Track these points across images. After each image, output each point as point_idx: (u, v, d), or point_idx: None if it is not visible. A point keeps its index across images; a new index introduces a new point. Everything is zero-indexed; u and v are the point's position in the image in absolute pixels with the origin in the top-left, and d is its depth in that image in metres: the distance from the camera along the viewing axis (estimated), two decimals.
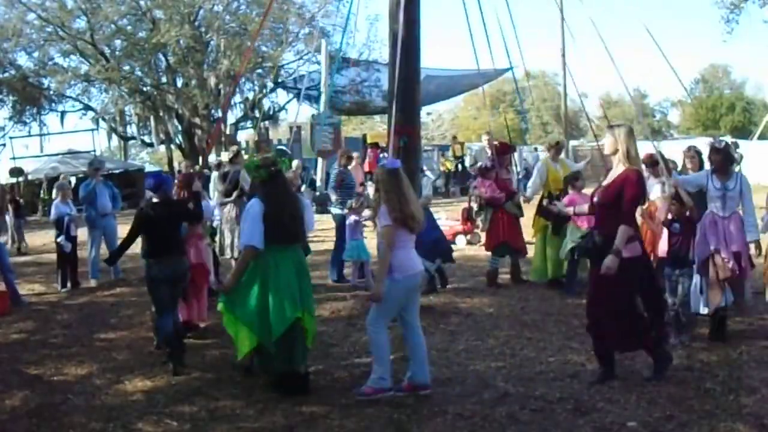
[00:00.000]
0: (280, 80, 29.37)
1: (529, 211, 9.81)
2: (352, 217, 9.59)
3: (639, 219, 7.62)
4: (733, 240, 6.66)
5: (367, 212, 9.25)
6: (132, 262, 12.63)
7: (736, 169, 7.07)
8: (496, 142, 10.46)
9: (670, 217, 6.97)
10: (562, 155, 10.26)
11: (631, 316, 5.66)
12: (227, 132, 30.36)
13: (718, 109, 61.14)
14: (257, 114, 30.22)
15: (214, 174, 10.28)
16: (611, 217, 5.53)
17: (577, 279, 8.82)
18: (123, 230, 14.98)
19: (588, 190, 7.31)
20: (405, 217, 5.41)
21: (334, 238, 10.47)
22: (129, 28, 28.69)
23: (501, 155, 9.95)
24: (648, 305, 5.90)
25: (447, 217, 14.38)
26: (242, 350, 5.70)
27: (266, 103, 31.29)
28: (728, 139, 9.72)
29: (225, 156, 13.06)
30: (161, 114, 30.09)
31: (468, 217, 13.40)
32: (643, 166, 6.88)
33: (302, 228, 5.98)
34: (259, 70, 29.15)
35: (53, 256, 11.61)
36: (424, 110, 37.30)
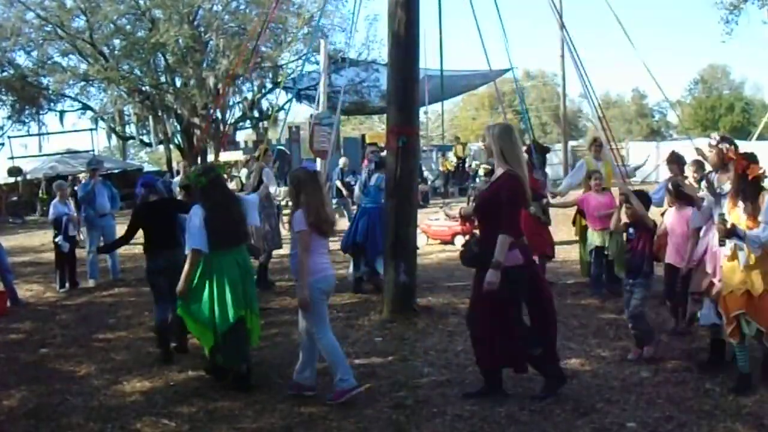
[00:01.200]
0: (278, 80, 29.36)
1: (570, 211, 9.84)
2: None
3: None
4: None
5: None
6: (131, 262, 12.65)
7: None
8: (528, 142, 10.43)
9: (624, 221, 6.63)
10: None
11: (512, 329, 5.25)
12: (226, 132, 30.35)
13: (717, 109, 61.22)
14: (256, 114, 30.21)
15: (243, 171, 10.62)
16: (489, 224, 5.26)
17: (602, 280, 8.92)
18: (122, 230, 15.03)
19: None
20: (320, 222, 5.41)
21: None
22: (128, 27, 28.65)
23: (541, 153, 9.84)
24: (534, 318, 5.46)
25: (446, 217, 14.36)
26: (207, 347, 5.86)
27: (265, 103, 31.30)
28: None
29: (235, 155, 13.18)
30: (160, 114, 30.05)
31: (465, 217, 13.40)
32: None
33: (245, 230, 6.16)
34: (258, 70, 29.13)
35: (51, 256, 11.60)
36: (422, 110, 37.23)
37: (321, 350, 5.55)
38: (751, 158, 5.41)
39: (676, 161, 8.13)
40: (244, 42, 25.08)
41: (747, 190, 5.33)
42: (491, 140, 5.31)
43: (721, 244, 5.32)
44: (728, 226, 5.17)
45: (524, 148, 11.33)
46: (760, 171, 5.31)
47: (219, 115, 29.38)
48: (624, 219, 6.67)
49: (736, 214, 5.36)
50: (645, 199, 6.60)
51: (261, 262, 9.90)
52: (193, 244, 5.71)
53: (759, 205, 5.25)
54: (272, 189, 10.04)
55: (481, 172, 12.82)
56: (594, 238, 8.86)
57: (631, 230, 6.43)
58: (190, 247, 5.75)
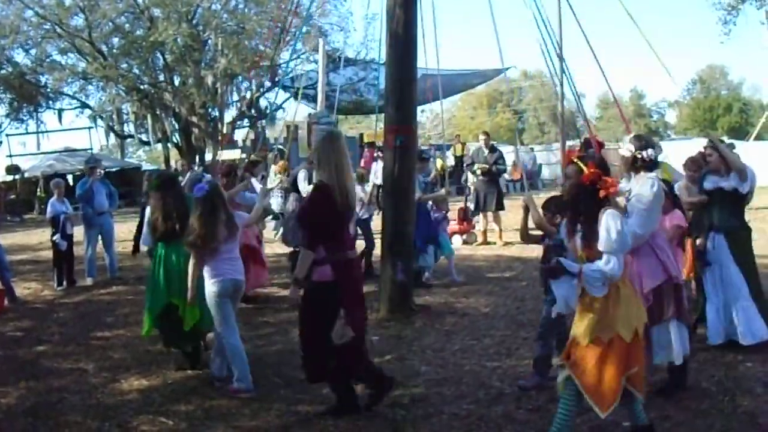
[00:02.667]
0: (277, 79, 29.38)
1: None
2: (437, 214, 9.76)
3: None
4: None
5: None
6: (128, 260, 12.65)
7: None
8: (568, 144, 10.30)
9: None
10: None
11: (317, 345, 5.05)
12: (224, 131, 30.37)
13: (715, 109, 61.30)
14: (254, 113, 30.23)
15: (303, 173, 10.92)
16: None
17: None
18: (120, 228, 15.06)
19: None
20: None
21: None
22: (127, 26, 28.67)
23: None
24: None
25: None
26: (144, 330, 6.51)
27: (263, 102, 31.32)
28: (725, 139, 9.71)
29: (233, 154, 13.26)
30: (158, 112, 30.07)
31: (464, 217, 13.44)
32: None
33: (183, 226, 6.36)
34: (257, 69, 29.14)
35: (49, 254, 11.60)
36: (420, 109, 37.27)
37: (226, 348, 5.82)
38: (604, 167, 4.31)
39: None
40: (245, 45, 25.06)
41: (586, 209, 4.22)
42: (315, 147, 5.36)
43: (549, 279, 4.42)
44: (553, 262, 4.29)
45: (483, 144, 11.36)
46: (613, 189, 4.20)
47: (218, 113, 29.41)
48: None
49: (573, 243, 4.34)
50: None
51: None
52: (141, 242, 6.68)
53: (598, 229, 4.11)
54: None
55: (478, 171, 12.85)
56: None
57: (547, 240, 5.74)
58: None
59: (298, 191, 10.19)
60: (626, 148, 5.19)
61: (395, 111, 8.19)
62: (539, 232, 5.91)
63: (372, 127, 43.80)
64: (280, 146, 21.65)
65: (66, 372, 6.57)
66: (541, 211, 5.79)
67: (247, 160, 11.47)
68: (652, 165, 5.18)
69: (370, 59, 27.72)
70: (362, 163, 20.92)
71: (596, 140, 8.88)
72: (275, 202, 11.45)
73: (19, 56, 29.75)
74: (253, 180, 10.21)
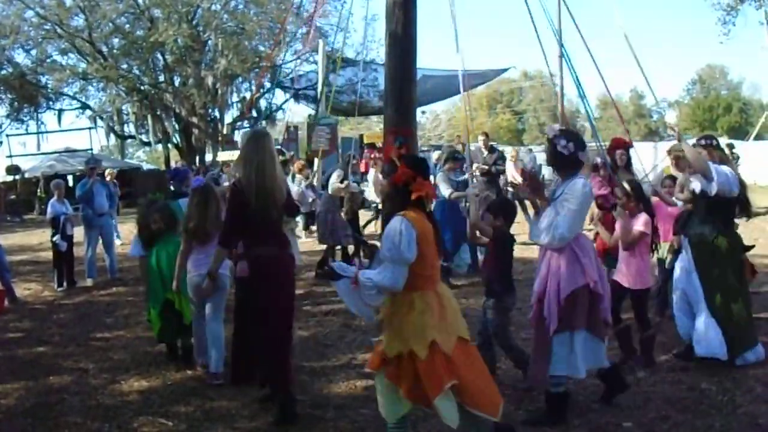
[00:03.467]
0: (278, 80, 29.39)
1: None
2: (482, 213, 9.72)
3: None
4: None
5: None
6: (128, 261, 12.64)
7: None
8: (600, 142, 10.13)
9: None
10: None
11: (240, 342, 5.20)
12: (224, 132, 30.37)
13: (715, 109, 61.30)
14: (254, 113, 30.22)
15: (336, 173, 11.21)
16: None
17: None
18: (120, 228, 15.05)
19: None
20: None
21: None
22: (127, 26, 28.69)
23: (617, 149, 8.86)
24: (261, 332, 5.11)
25: None
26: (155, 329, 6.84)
27: (263, 103, 31.33)
28: (725, 139, 9.69)
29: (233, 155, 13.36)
30: (159, 113, 30.10)
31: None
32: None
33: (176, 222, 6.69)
34: (257, 70, 29.17)
35: (50, 255, 11.61)
36: (420, 110, 37.35)
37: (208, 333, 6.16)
38: (419, 168, 4.07)
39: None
40: (245, 45, 25.01)
41: (395, 209, 4.01)
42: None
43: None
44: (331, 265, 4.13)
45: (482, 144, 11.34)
46: (425, 190, 3.98)
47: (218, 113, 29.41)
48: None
49: None
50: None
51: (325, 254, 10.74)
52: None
53: None
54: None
55: (476, 172, 12.85)
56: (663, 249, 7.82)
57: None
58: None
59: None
60: (562, 146, 4.86)
61: (395, 112, 8.18)
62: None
63: (372, 128, 43.86)
64: (279, 147, 21.70)
65: (66, 373, 6.57)
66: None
67: None
68: (582, 165, 4.96)
69: (369, 60, 27.73)
70: (362, 165, 20.94)
71: (623, 140, 8.82)
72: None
73: (20, 57, 29.85)
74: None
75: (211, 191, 6.27)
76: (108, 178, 15.23)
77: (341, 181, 10.98)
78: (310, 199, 12.40)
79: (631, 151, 8.71)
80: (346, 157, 11.17)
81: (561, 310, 4.77)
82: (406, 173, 3.95)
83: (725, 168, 5.90)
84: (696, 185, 6.05)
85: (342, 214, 11.13)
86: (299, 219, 12.23)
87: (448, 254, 9.32)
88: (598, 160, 9.24)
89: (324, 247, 10.99)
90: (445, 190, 9.80)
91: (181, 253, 6.12)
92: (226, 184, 12.10)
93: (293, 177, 12.02)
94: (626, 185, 6.10)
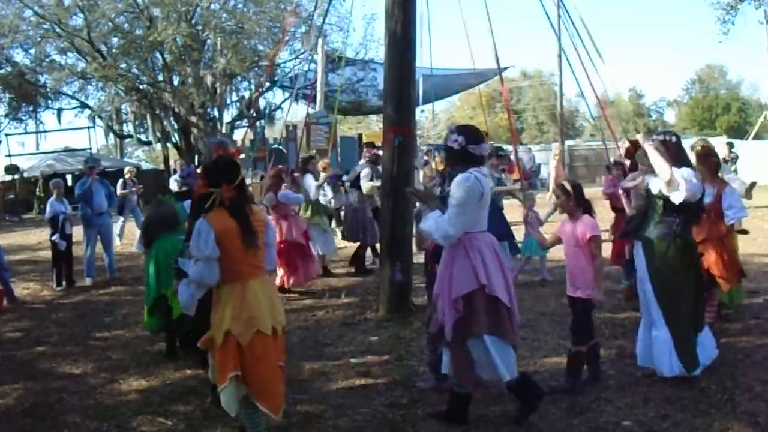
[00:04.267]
0: (276, 79, 29.37)
1: None
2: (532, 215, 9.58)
3: None
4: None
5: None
6: (127, 261, 12.65)
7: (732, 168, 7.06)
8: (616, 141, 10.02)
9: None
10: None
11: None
12: (223, 131, 30.34)
13: (714, 109, 61.35)
14: (253, 113, 30.22)
15: (366, 170, 11.28)
16: None
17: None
18: (126, 228, 15.03)
19: None
20: None
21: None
22: (126, 25, 28.63)
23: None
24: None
25: None
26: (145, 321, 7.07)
27: (262, 102, 31.30)
28: (724, 139, 9.65)
29: None
30: (158, 112, 30.05)
31: None
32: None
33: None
34: (256, 69, 29.15)
35: (48, 254, 11.60)
36: (419, 109, 37.30)
37: None
38: (218, 173, 4.39)
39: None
40: (244, 44, 24.95)
41: (196, 217, 4.44)
42: None
43: None
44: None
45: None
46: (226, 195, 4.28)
47: (216, 113, 29.38)
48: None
49: None
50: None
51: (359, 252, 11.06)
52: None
53: None
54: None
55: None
56: None
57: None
58: None
59: (359, 187, 10.91)
60: (452, 140, 4.76)
61: (394, 111, 8.19)
62: None
63: (371, 127, 43.84)
64: (279, 146, 21.68)
65: (65, 372, 6.57)
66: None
67: (301, 159, 12.11)
68: (479, 159, 4.78)
69: (368, 59, 27.72)
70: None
71: (633, 141, 8.67)
72: (322, 199, 11.83)
73: (18, 56, 29.78)
74: (308, 176, 10.77)
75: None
76: (128, 176, 15.09)
77: (371, 180, 10.97)
78: (329, 197, 12.53)
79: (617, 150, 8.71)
80: (373, 156, 11.13)
81: (455, 313, 4.67)
82: (201, 190, 4.35)
83: (687, 171, 5.41)
84: (654, 186, 5.63)
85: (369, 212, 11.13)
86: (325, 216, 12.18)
87: None
88: (611, 160, 9.18)
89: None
90: None
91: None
92: None
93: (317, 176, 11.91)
94: (566, 185, 5.69)
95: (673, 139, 5.57)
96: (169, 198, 7.50)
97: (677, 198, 5.38)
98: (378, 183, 10.90)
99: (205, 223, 4.17)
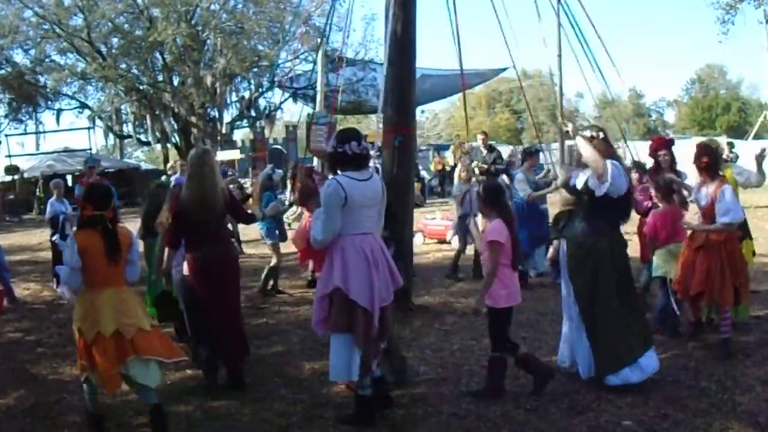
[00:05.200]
0: (276, 79, 29.38)
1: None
2: None
3: None
4: None
5: None
6: None
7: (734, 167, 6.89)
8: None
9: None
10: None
11: (192, 332, 6.11)
12: (223, 131, 30.35)
13: (714, 108, 61.36)
14: (253, 113, 30.24)
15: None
16: None
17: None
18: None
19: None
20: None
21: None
22: (126, 26, 28.66)
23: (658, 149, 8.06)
24: (206, 320, 5.89)
25: (442, 216, 14.40)
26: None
27: (262, 102, 31.32)
28: (724, 139, 9.54)
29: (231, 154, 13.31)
30: (157, 112, 30.07)
31: None
32: None
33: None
34: (255, 69, 29.17)
35: (49, 255, 11.58)
36: (419, 109, 37.33)
37: None
38: (91, 196, 5.05)
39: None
40: (244, 45, 24.90)
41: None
42: None
43: None
44: None
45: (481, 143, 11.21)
46: (88, 212, 4.96)
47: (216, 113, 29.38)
48: None
49: None
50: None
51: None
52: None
53: None
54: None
55: (476, 170, 12.85)
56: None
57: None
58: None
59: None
60: (330, 145, 4.97)
61: (394, 111, 8.18)
62: None
63: (371, 127, 43.84)
64: (278, 146, 21.68)
65: (65, 372, 6.55)
66: None
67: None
68: (353, 159, 4.85)
69: (368, 59, 27.72)
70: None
71: (662, 139, 8.43)
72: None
73: (18, 56, 29.81)
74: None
75: None
76: (170, 173, 14.60)
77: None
78: None
79: (633, 149, 8.63)
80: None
81: (321, 310, 4.95)
82: (89, 213, 4.91)
83: (612, 165, 5.35)
84: (580, 180, 5.51)
85: None
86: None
87: (522, 256, 9.06)
88: (626, 161, 9.07)
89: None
90: (522, 191, 9.46)
91: (159, 248, 6.57)
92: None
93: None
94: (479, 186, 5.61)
95: (601, 134, 5.55)
96: (167, 183, 7.53)
97: (600, 190, 5.34)
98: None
99: (71, 239, 4.87)
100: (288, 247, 9.84)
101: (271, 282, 9.59)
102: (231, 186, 9.27)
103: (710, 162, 6.31)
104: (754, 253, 6.98)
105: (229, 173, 16.60)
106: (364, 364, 4.84)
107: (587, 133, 5.56)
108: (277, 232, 9.58)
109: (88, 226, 4.90)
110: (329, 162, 5.16)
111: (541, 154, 10.54)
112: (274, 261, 9.54)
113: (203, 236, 5.75)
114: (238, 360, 5.96)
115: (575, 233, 5.59)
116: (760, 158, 7.08)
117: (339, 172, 4.89)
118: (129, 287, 5.05)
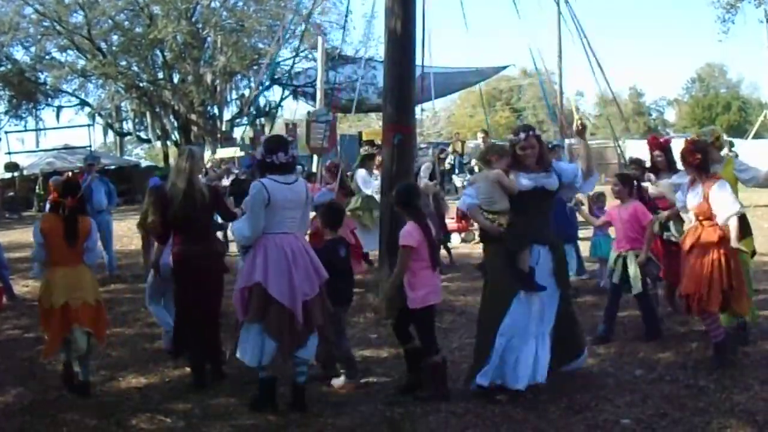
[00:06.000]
0: (276, 77, 29.37)
1: None
2: (597, 212, 9.12)
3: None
4: None
5: None
6: (126, 259, 12.65)
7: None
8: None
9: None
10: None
11: (178, 322, 6.24)
12: (223, 129, 30.36)
13: (714, 107, 61.33)
14: (253, 110, 30.22)
15: (426, 165, 10.99)
16: None
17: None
18: (118, 227, 15.03)
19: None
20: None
21: None
22: (126, 23, 28.65)
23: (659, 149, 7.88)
24: (190, 314, 6.04)
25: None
26: None
27: (262, 100, 31.30)
28: (724, 137, 9.41)
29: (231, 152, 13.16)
30: (157, 110, 30.08)
31: (462, 215, 13.41)
32: None
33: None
34: (255, 67, 29.15)
35: None
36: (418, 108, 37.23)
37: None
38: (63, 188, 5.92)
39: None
40: (244, 42, 24.88)
41: None
42: None
43: None
44: None
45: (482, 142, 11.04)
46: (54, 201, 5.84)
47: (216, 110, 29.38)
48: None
49: None
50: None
51: None
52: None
53: None
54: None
55: (476, 169, 12.83)
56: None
57: None
58: None
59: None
60: (259, 152, 5.35)
61: (394, 109, 8.18)
62: None
63: (371, 125, 43.82)
64: None
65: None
66: None
67: (362, 155, 11.45)
68: (279, 167, 5.21)
69: (368, 57, 27.69)
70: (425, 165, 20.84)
71: (657, 140, 8.48)
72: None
73: (19, 53, 29.78)
74: (360, 171, 10.54)
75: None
76: (209, 165, 14.41)
77: (430, 179, 10.81)
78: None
79: (628, 148, 8.57)
80: (445, 154, 10.90)
81: (241, 302, 5.20)
82: (55, 199, 5.79)
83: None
84: (549, 181, 5.61)
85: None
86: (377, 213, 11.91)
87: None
88: (628, 157, 8.99)
89: None
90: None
91: (143, 246, 7.14)
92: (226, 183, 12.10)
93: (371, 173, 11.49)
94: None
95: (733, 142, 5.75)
96: (166, 169, 7.57)
97: (586, 188, 6.02)
98: (433, 183, 10.74)
99: (36, 222, 5.86)
100: None
101: None
102: (222, 178, 9.24)
103: (703, 159, 6.00)
104: (754, 252, 6.91)
105: (233, 170, 16.53)
106: (281, 354, 5.19)
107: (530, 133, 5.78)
108: None
109: (52, 211, 5.81)
110: (258, 167, 5.76)
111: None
112: None
113: (188, 232, 5.94)
114: (217, 353, 6.14)
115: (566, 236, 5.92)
116: None
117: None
118: (86, 267, 5.85)
